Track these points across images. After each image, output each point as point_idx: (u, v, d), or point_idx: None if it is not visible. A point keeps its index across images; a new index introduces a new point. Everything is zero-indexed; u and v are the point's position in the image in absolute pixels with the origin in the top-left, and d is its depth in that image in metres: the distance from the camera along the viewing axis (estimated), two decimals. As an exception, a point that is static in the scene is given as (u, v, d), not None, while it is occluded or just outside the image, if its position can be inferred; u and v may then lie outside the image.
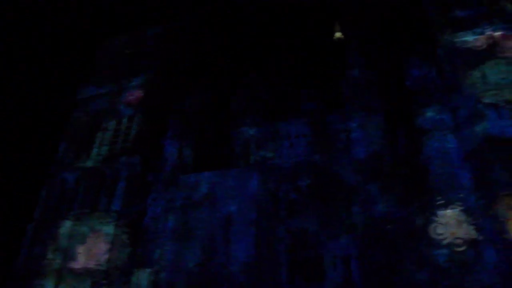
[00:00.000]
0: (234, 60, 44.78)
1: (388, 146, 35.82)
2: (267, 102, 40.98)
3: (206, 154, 41.21)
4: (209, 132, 42.65)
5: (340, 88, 39.37)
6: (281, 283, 33.38)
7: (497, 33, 40.46)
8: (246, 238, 35.32)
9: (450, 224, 33.20)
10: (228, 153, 39.51)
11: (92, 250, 38.61)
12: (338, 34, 39.89)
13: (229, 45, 48.66)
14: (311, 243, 33.67)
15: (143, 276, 35.90)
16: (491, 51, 39.30)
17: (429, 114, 37.08)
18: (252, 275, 33.94)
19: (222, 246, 35.60)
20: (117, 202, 39.62)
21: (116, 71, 49.98)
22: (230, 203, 37.02)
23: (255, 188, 36.84)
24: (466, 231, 33.13)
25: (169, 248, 36.74)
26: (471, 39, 39.92)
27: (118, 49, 52.83)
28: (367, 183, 34.39)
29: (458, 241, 32.75)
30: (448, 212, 33.41)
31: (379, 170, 34.60)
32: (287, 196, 35.69)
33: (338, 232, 33.54)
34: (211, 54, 48.77)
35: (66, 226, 40.10)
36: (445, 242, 32.44)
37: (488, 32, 40.21)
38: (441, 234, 32.62)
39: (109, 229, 38.79)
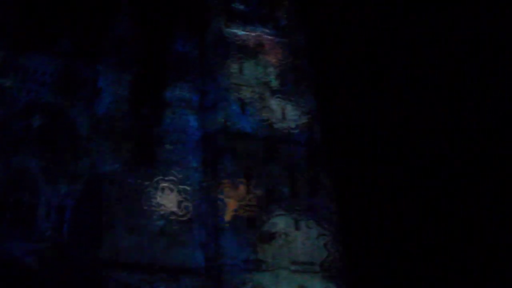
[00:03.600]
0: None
1: (132, 109, 35.76)
2: (21, 30, 37.99)
3: None
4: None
5: (102, 37, 38.23)
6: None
7: (266, 36, 42.75)
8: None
9: (170, 198, 34.19)
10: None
11: None
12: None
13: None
14: (29, 185, 32.14)
15: None
16: (256, 50, 41.30)
17: (179, 90, 37.76)
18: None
19: None
20: None
21: None
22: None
23: (-18, 116, 33.96)
24: (183, 208, 34.50)
25: None
26: (241, 33, 41.50)
27: None
28: (101, 138, 33.67)
29: (173, 216, 33.96)
30: (171, 186, 34.41)
31: (115, 129, 34.22)
32: (16, 132, 33.45)
33: (59, 180, 32.54)
34: None
35: None
36: (160, 214, 33.37)
37: (259, 33, 42.32)
38: (158, 206, 33.48)
39: None
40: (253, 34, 42.51)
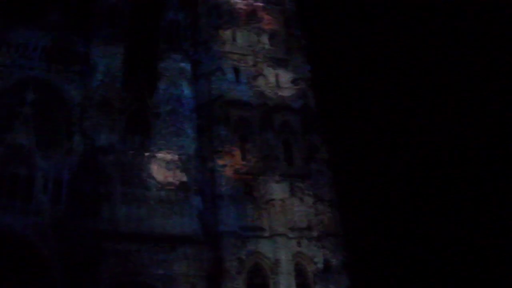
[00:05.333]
0: None
1: (126, 81, 35.57)
2: (10, 5, 37.53)
3: None
4: None
5: (92, 9, 37.80)
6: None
7: (258, 3, 42.48)
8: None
9: (167, 168, 34.27)
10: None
11: None
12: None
13: None
14: (25, 159, 32.11)
15: None
16: (248, 18, 41.05)
17: (172, 59, 37.52)
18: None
19: None
20: None
21: None
22: None
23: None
24: (180, 178, 34.58)
25: None
26: (233, 1, 41.27)
27: None
28: (95, 111, 33.69)
29: (170, 185, 34.05)
30: (168, 157, 34.44)
31: (109, 102, 34.11)
32: (10, 108, 33.31)
33: (55, 154, 32.56)
34: None
35: None
36: (157, 184, 33.47)
37: (251, 1, 41.97)
38: (155, 176, 33.52)
39: None
40: (245, 1, 42.24)
